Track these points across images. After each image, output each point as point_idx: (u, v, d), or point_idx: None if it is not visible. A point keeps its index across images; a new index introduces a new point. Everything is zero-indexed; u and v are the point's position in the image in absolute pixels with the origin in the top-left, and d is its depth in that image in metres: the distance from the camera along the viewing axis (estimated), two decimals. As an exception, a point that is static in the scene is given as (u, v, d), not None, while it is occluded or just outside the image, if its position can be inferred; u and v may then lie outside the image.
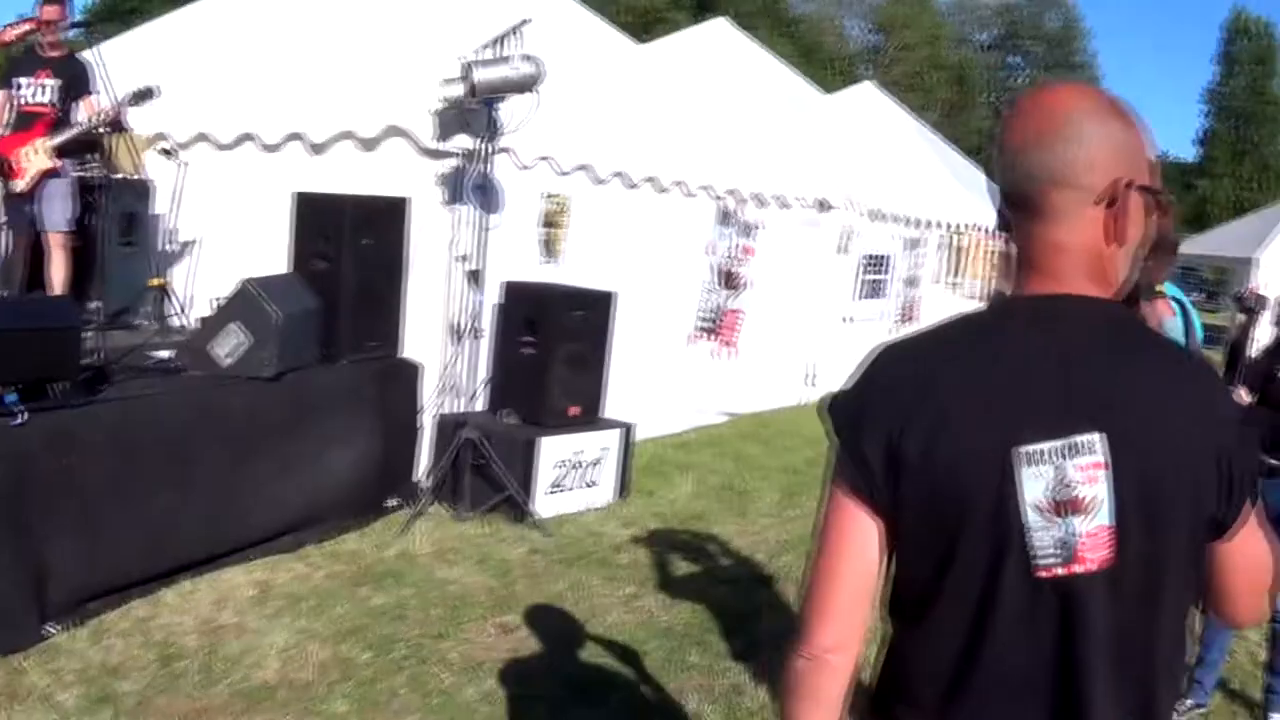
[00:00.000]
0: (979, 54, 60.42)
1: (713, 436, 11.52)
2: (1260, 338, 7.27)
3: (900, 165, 16.87)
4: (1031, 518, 1.72)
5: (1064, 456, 1.71)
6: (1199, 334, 3.57)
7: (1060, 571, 1.72)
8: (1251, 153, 57.10)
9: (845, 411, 1.87)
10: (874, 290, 15.35)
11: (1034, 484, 1.72)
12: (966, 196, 17.84)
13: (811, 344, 13.61)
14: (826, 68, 38.42)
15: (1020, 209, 1.83)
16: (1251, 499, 1.75)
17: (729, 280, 11.92)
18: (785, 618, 6.45)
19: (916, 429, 1.77)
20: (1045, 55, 59.85)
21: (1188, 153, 63.09)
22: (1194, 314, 3.58)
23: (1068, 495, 1.71)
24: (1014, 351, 1.79)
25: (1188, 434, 1.72)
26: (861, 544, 1.84)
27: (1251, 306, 8.88)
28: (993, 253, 17.82)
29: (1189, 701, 5.65)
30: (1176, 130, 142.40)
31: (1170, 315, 3.50)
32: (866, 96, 19.71)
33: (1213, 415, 1.74)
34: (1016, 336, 1.80)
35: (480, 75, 7.69)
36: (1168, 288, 3.58)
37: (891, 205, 15.07)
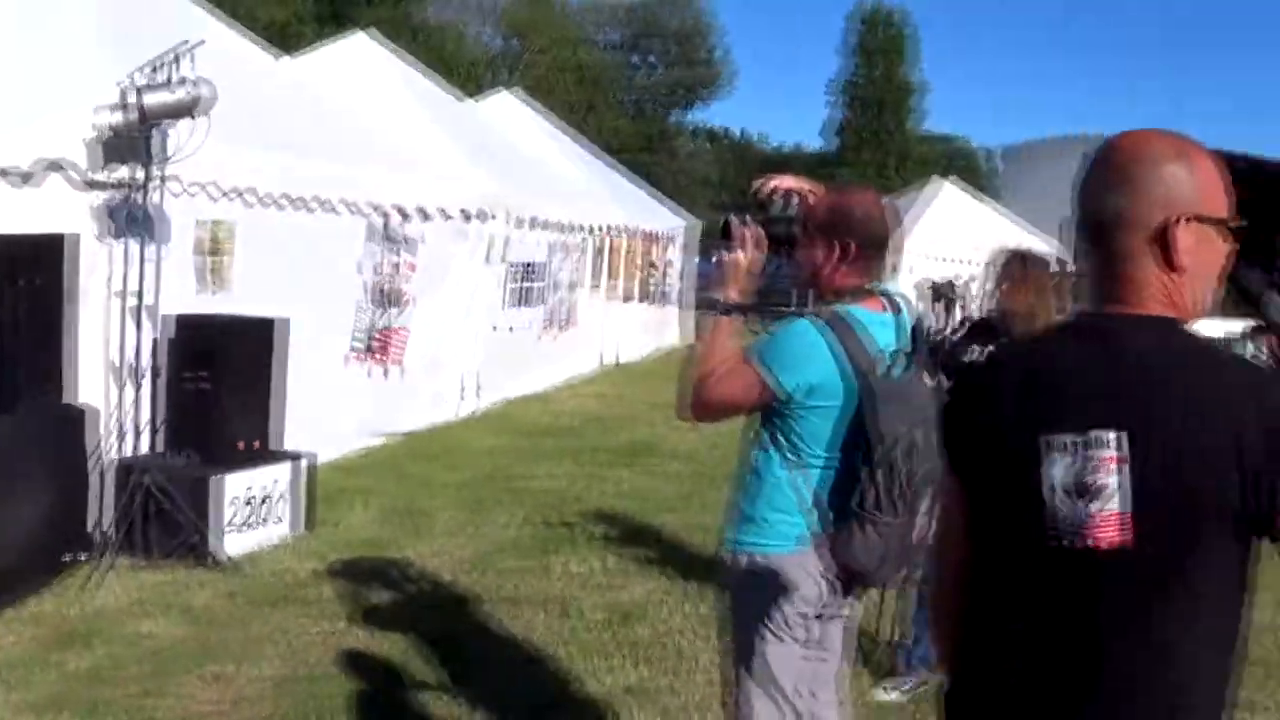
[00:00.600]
0: (609, 53, 61.31)
1: (381, 459, 11.46)
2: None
3: (545, 171, 17.20)
4: (1052, 496, 2.01)
5: (1085, 448, 1.98)
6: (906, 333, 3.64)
7: (1067, 544, 1.99)
8: (888, 140, 59.63)
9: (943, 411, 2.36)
10: (524, 298, 15.60)
11: (1057, 469, 2.00)
12: (610, 199, 18.33)
13: (467, 356, 13.73)
14: (465, 76, 38.39)
15: (1093, 243, 2.13)
16: None
17: (390, 298, 11.89)
18: (490, 641, 6.56)
19: (982, 423, 2.16)
20: (674, 53, 61.10)
21: (820, 142, 64.86)
22: (907, 314, 3.72)
23: (1084, 481, 1.97)
24: (1064, 358, 2.11)
25: (1214, 435, 1.92)
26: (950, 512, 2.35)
27: (949, 295, 9.33)
28: (639, 254, 18.40)
29: (910, 679, 5.78)
30: (808, 121, 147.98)
31: (880, 310, 3.63)
32: (506, 104, 19.98)
33: (1243, 419, 1.92)
34: (1070, 347, 2.13)
35: (148, 100, 7.44)
36: (890, 286, 3.72)
37: (540, 212, 15.35)
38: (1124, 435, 1.95)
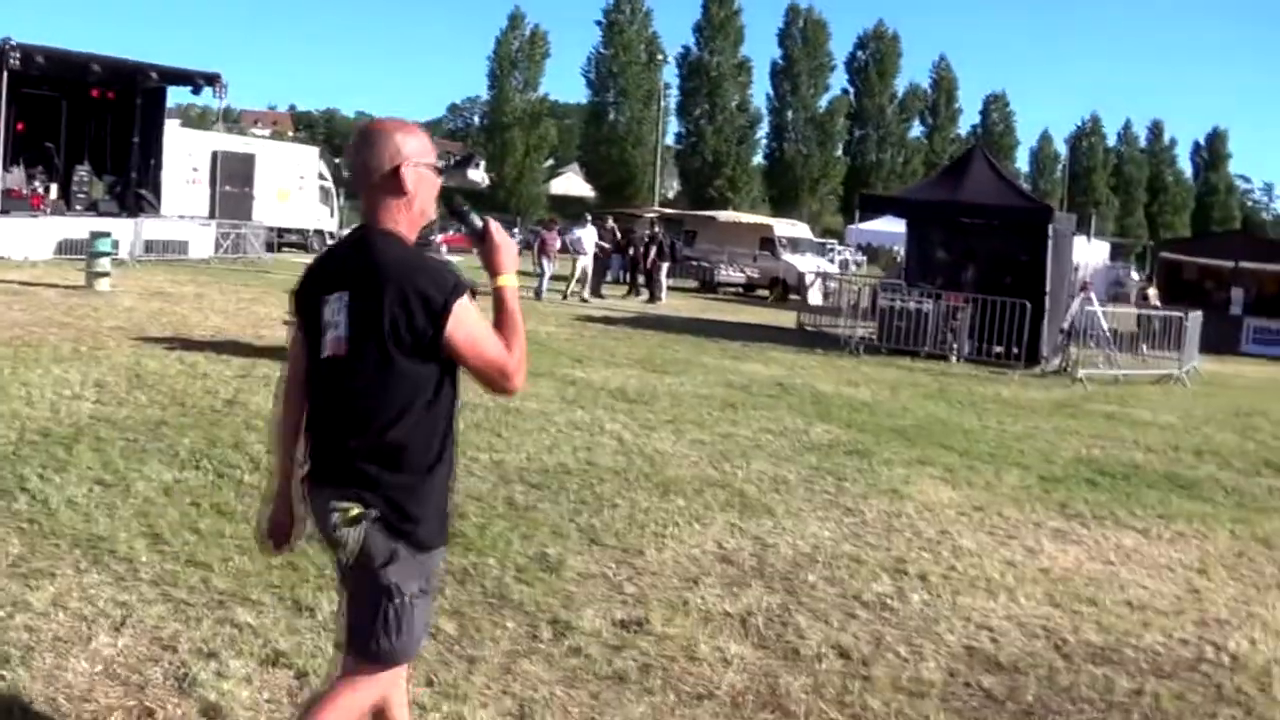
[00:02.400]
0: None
1: None
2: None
3: None
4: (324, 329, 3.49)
5: (335, 302, 3.44)
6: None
7: (325, 354, 3.47)
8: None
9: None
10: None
11: (325, 313, 3.47)
12: None
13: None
14: None
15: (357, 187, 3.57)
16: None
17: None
18: None
19: (305, 291, 3.63)
20: None
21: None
22: None
23: (330, 320, 3.46)
24: (336, 250, 3.69)
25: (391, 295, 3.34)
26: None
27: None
28: None
29: None
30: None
31: None
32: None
33: (402, 285, 3.35)
34: (343, 246, 3.64)
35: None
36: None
37: None
38: (347, 293, 3.41)
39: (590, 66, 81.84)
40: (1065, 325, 20.86)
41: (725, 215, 46.82)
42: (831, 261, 39.84)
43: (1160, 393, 19.17)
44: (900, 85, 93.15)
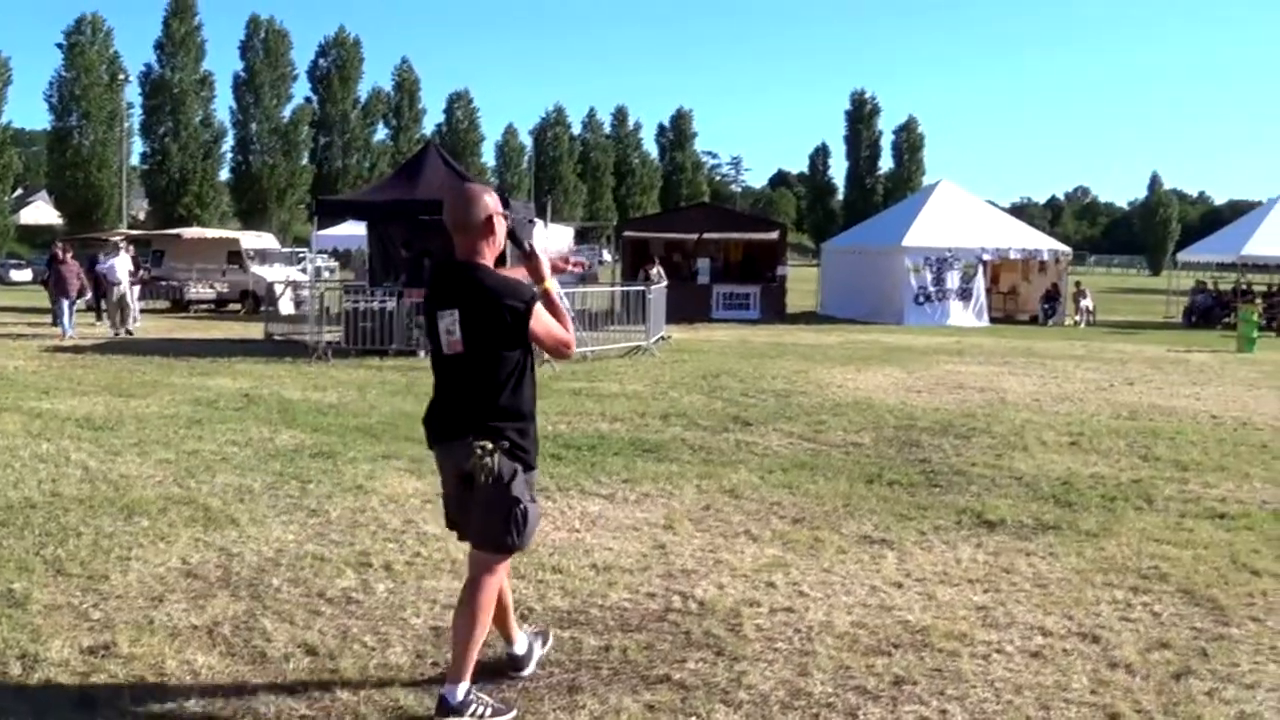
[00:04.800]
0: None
1: None
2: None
3: None
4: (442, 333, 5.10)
5: (447, 316, 5.05)
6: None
7: (447, 353, 5.09)
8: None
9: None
10: None
11: (443, 323, 5.07)
12: None
13: None
14: None
15: (455, 230, 5.24)
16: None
17: None
18: None
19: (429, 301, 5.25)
20: None
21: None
22: None
23: (447, 328, 5.06)
24: (444, 274, 5.25)
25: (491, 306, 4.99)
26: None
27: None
28: None
29: None
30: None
31: None
32: None
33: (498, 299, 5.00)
34: (447, 270, 5.24)
35: None
36: None
37: None
38: (458, 310, 5.00)
39: (52, 90, 77.60)
40: None
41: (191, 232, 45.19)
42: (304, 270, 39.37)
43: (630, 365, 20.19)
44: (363, 90, 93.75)
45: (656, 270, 30.32)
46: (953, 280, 35.87)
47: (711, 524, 8.60)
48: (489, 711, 5.12)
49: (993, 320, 36.60)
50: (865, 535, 8.36)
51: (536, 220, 24.52)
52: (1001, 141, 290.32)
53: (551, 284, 5.31)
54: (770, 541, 8.12)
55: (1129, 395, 17.01)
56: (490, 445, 4.96)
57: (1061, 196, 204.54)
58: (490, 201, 5.18)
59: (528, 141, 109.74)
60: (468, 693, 5.11)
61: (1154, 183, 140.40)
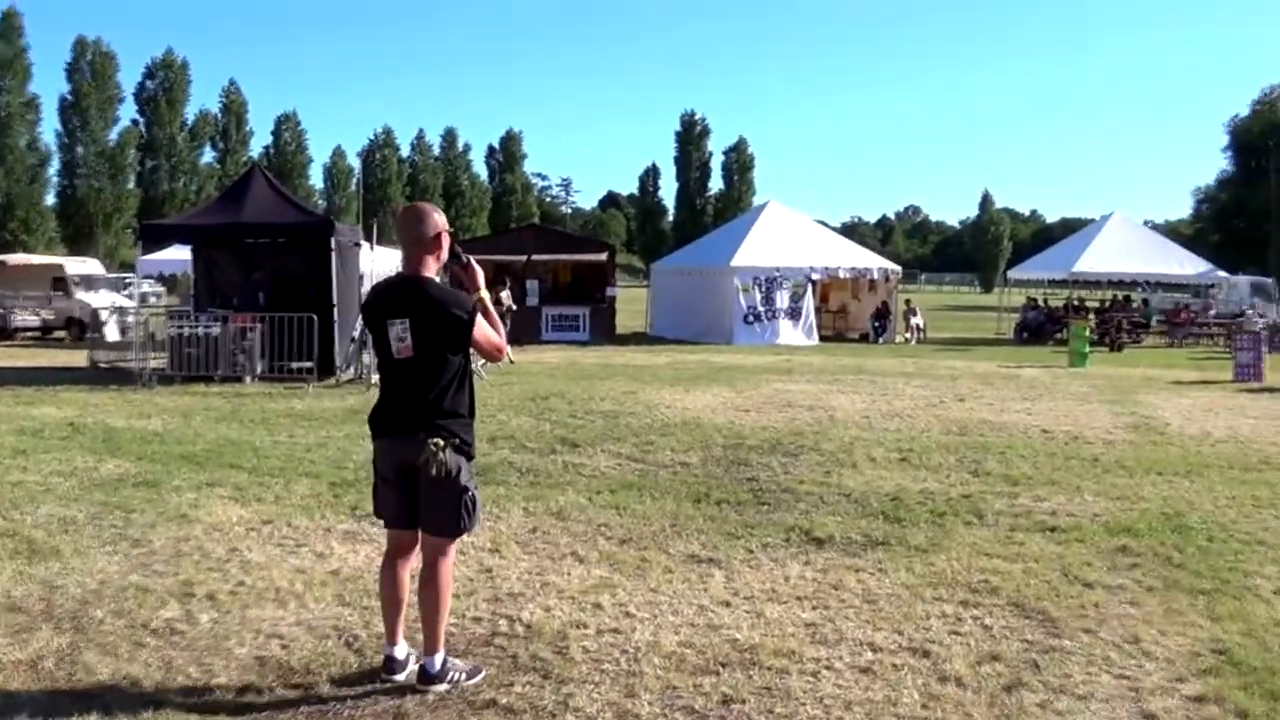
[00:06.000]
0: None
1: None
2: None
3: None
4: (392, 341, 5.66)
5: (398, 324, 5.61)
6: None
7: (398, 357, 5.64)
8: None
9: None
10: None
11: (392, 333, 5.62)
12: None
13: None
14: None
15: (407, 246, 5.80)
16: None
17: None
18: None
19: (370, 312, 5.83)
20: None
21: None
22: None
23: (402, 339, 5.61)
24: (394, 287, 5.78)
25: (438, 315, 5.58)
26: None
27: None
28: None
29: None
30: None
31: None
32: None
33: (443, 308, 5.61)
34: (396, 283, 5.79)
35: None
36: None
37: None
38: (409, 319, 5.56)
39: None
40: (355, 333, 21.21)
41: (15, 258, 43.49)
42: (130, 296, 38.30)
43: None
44: (190, 112, 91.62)
45: (506, 293, 29.56)
46: (782, 299, 35.66)
47: (538, 546, 8.60)
48: (464, 676, 5.80)
49: (823, 339, 36.69)
50: (693, 554, 8.39)
51: (363, 243, 24.19)
52: (832, 162, 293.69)
53: (484, 294, 5.87)
54: (597, 563, 8.13)
55: (959, 411, 16.99)
56: (442, 442, 5.54)
57: (893, 215, 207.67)
58: (439, 219, 5.72)
59: (356, 163, 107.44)
60: (444, 661, 5.79)
61: (985, 201, 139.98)
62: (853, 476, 11.41)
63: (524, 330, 32.17)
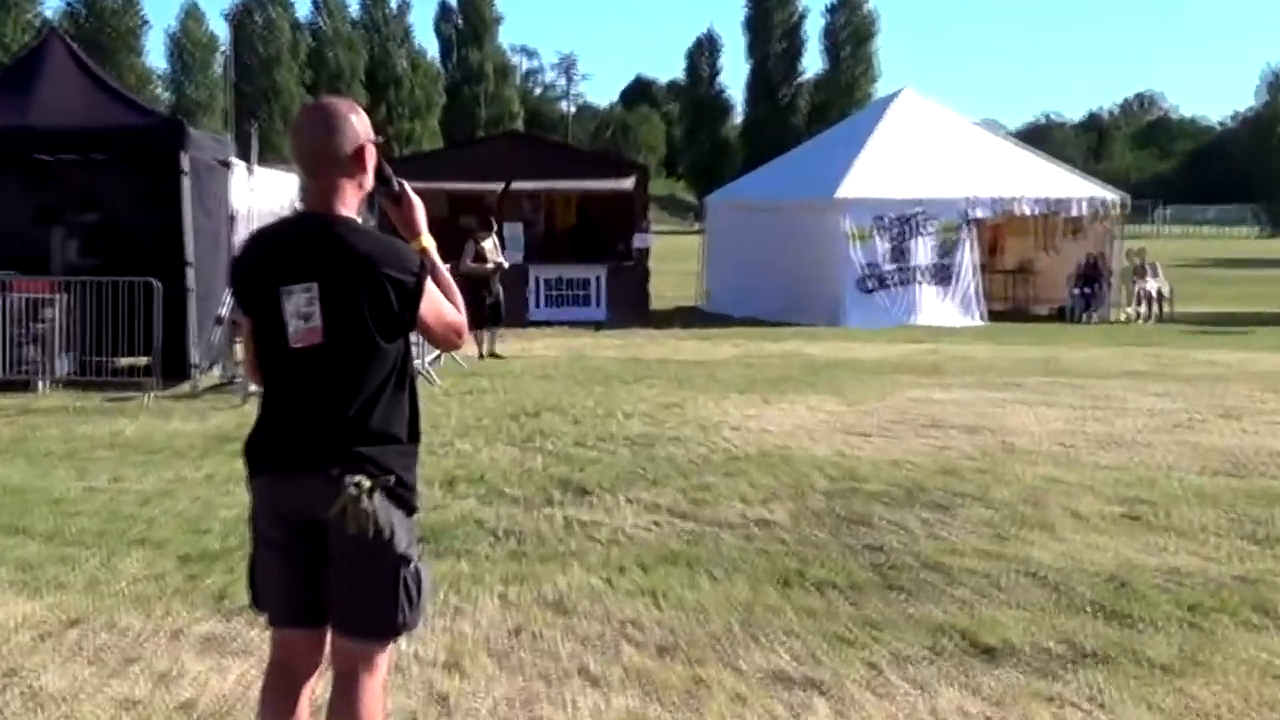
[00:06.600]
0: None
1: None
2: None
3: None
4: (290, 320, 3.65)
5: (300, 292, 3.58)
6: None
7: (296, 345, 3.61)
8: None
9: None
10: None
11: (290, 304, 3.58)
12: None
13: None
14: None
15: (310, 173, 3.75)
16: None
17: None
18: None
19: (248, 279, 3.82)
20: None
21: None
22: None
23: (302, 310, 3.58)
24: (286, 239, 3.81)
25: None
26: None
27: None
28: None
29: None
30: None
31: None
32: None
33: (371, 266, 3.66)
34: (293, 230, 3.89)
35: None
36: None
37: None
38: (316, 285, 3.55)
39: None
40: (224, 310, 14.47)
41: None
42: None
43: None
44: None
45: (492, 243, 19.43)
46: (923, 252, 23.98)
47: (524, 659, 6.03)
48: None
49: (992, 315, 24.89)
50: (779, 672, 5.87)
51: (236, 162, 16.86)
52: (1008, 31, 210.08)
53: (429, 242, 3.87)
54: (621, 687, 5.67)
55: (1228, 436, 11.99)
56: (368, 483, 3.59)
57: (1110, 110, 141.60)
58: (359, 124, 3.70)
59: (222, 29, 78.78)
60: None
61: (1273, 87, 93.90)
62: (1045, 545, 8.03)
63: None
